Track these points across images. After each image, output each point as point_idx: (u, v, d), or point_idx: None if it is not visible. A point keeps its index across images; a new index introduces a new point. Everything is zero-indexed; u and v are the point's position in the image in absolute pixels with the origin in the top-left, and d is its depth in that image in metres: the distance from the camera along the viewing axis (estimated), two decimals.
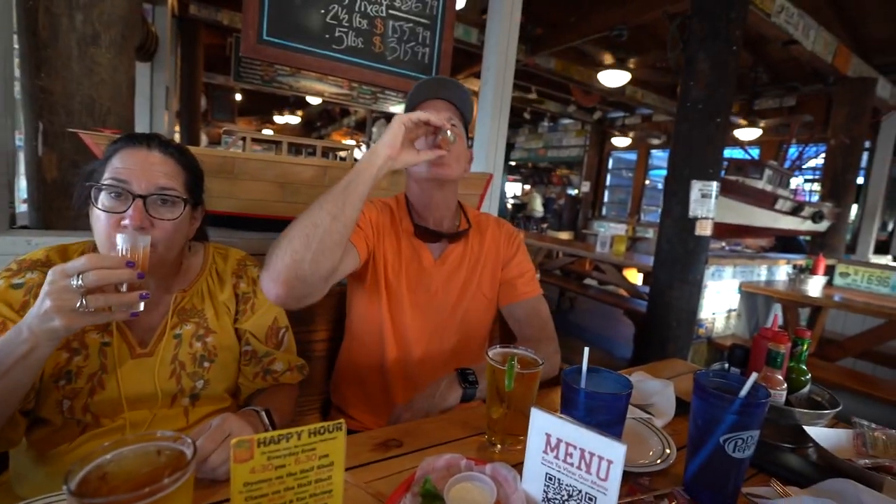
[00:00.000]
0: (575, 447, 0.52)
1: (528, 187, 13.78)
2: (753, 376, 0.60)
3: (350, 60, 1.42)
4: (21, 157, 1.29)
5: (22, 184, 1.32)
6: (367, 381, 1.07)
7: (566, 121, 10.55)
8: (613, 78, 4.90)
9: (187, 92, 5.67)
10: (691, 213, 2.46)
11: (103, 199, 0.72)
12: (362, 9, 1.43)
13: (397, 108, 6.71)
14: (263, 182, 1.21)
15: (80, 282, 0.58)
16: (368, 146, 9.36)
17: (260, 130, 12.83)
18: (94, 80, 1.21)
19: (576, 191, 11.40)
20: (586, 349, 0.70)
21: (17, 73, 1.21)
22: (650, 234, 8.48)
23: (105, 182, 0.72)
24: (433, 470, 0.61)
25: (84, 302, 0.58)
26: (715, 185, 2.47)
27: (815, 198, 5.48)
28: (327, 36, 1.39)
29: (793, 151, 5.75)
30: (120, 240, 0.64)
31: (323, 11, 1.38)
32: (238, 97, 8.83)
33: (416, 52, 1.54)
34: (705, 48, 2.43)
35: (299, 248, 0.75)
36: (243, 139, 1.20)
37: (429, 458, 0.62)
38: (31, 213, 1.22)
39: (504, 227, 1.19)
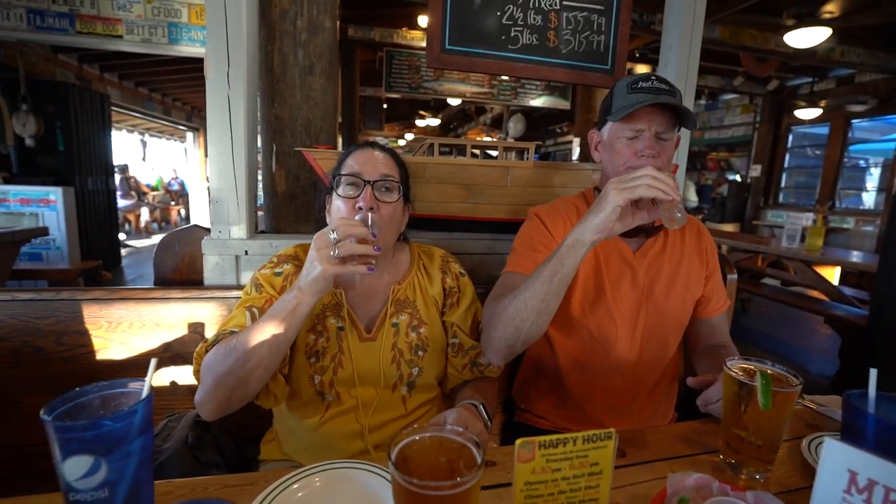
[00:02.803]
0: None
1: None
2: None
3: (525, 58, 1.42)
4: (259, 174, 1.58)
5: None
6: (560, 378, 1.07)
7: (728, 96, 9.15)
8: (806, 37, 4.02)
9: (347, 105, 6.37)
10: None
11: (342, 188, 0.87)
12: (536, 4, 1.42)
13: (536, 102, 6.60)
14: (450, 185, 1.28)
15: (334, 235, 0.72)
16: (504, 139, 9.41)
17: (402, 135, 13.85)
18: (311, 105, 1.42)
19: (737, 176, 9.84)
20: (873, 370, 0.58)
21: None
22: (850, 223, 6.90)
23: (344, 173, 0.88)
24: (683, 489, 0.56)
25: (337, 251, 0.71)
26: None
27: None
28: (503, 37, 1.40)
29: None
30: (358, 216, 0.81)
31: (499, 13, 1.40)
32: (384, 106, 9.66)
33: (591, 41, 1.47)
34: None
35: (511, 337, 0.85)
36: (431, 145, 1.28)
37: (675, 475, 0.58)
38: (266, 220, 1.49)
39: (704, 229, 1.13)
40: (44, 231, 3.50)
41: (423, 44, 5.78)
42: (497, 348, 0.88)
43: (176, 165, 12.64)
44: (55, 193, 3.88)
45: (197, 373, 0.80)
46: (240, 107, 1.24)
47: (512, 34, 1.41)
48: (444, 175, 1.25)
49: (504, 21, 1.40)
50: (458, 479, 0.41)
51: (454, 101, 7.37)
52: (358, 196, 0.86)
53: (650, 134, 0.94)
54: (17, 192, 3.82)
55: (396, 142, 13.43)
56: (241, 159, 1.27)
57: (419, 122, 11.44)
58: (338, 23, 1.49)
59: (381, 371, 0.89)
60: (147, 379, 0.52)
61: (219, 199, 1.29)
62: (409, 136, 13.42)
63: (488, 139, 11.64)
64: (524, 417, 1.16)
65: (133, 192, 9.35)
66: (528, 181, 1.31)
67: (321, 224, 0.99)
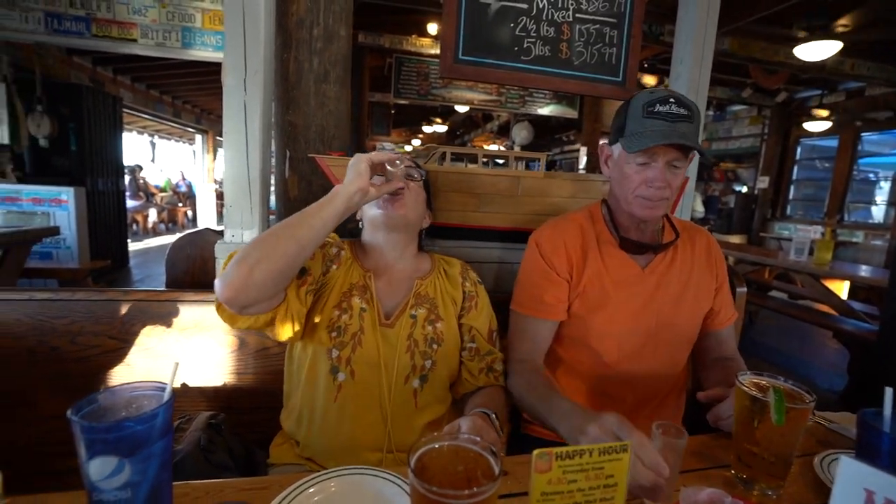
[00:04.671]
0: None
1: None
2: None
3: (538, 70, 1.43)
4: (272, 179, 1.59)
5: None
6: (567, 390, 1.07)
7: (736, 107, 9.14)
8: (816, 50, 4.03)
9: (356, 111, 6.40)
10: None
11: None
12: (549, 16, 1.43)
13: (544, 110, 6.62)
14: (461, 193, 1.29)
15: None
16: (511, 147, 9.44)
17: (409, 141, 13.91)
18: (325, 112, 1.44)
19: (744, 187, 9.81)
20: (889, 389, 0.58)
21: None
22: (859, 237, 6.86)
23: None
24: (696, 503, 0.57)
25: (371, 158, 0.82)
26: None
27: None
28: (516, 48, 1.42)
29: None
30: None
31: (512, 25, 1.41)
32: (392, 111, 9.69)
33: (602, 53, 1.49)
34: None
35: None
36: (443, 154, 1.30)
37: (688, 490, 0.58)
38: None
39: (713, 242, 1.12)
40: (55, 231, 3.54)
41: (433, 51, 5.83)
42: None
43: (184, 167, 12.75)
44: (67, 193, 3.92)
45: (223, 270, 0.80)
46: (256, 113, 1.26)
47: (525, 45, 1.42)
48: (455, 183, 1.26)
49: (517, 32, 1.42)
50: (476, 488, 0.41)
51: (462, 109, 7.40)
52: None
53: (662, 165, 0.92)
54: (29, 192, 3.87)
55: (403, 147, 13.50)
56: (255, 165, 1.29)
57: (426, 129, 11.51)
58: (352, 31, 1.51)
59: (395, 359, 0.90)
60: (169, 382, 0.53)
61: (233, 203, 1.30)
62: (416, 142, 13.49)
63: (494, 147, 11.68)
64: (530, 429, 1.16)
65: (142, 193, 9.44)
66: (537, 191, 1.32)
67: (348, 234, 1.05)
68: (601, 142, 1.14)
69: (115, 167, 5.79)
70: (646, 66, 6.01)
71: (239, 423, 1.18)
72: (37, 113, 4.42)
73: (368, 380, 0.89)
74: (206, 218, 10.36)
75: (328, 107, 1.44)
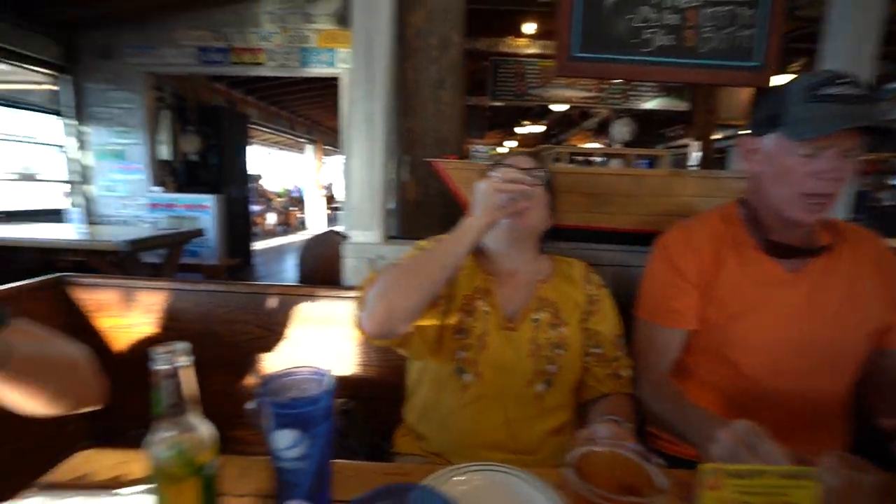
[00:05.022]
0: None
1: None
2: None
3: (659, 61, 1.34)
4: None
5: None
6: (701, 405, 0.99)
7: (894, 85, 7.68)
8: None
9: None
10: None
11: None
12: (672, 3, 1.34)
13: (649, 104, 6.19)
14: (580, 194, 1.25)
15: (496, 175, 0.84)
16: (609, 145, 8.98)
17: (502, 143, 13.87)
18: (441, 117, 1.50)
19: None
20: None
21: None
22: None
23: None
24: None
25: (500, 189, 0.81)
26: None
27: None
28: (635, 41, 1.35)
29: None
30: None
31: (630, 17, 1.35)
32: (487, 114, 9.74)
33: (735, 37, 1.35)
34: None
35: None
36: (558, 155, 1.28)
37: None
38: (397, 226, 1.60)
39: (885, 246, 0.97)
40: (201, 232, 4.14)
41: (529, 50, 5.76)
42: None
43: (295, 175, 14.11)
44: (210, 200, 4.58)
45: (362, 297, 0.85)
46: (379, 121, 1.35)
47: (644, 36, 1.35)
48: (574, 184, 1.23)
49: (635, 24, 1.35)
50: (643, 498, 0.40)
51: (560, 108, 7.20)
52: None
53: (835, 153, 0.79)
54: (183, 199, 4.60)
55: (495, 149, 13.50)
56: (378, 170, 1.38)
57: (519, 130, 11.39)
58: (462, 37, 1.56)
59: (518, 361, 0.91)
60: (329, 370, 0.59)
61: (357, 206, 1.41)
62: (511, 144, 13.41)
63: (596, 145, 11.20)
64: (657, 443, 1.08)
65: (262, 199, 10.63)
66: (661, 190, 1.24)
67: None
68: (742, 135, 1.00)
69: (244, 176, 6.60)
70: None
71: (362, 412, 1.27)
72: (188, 132, 5.22)
73: (494, 382, 0.90)
74: (315, 220, 11.35)
75: (444, 112, 1.50)
